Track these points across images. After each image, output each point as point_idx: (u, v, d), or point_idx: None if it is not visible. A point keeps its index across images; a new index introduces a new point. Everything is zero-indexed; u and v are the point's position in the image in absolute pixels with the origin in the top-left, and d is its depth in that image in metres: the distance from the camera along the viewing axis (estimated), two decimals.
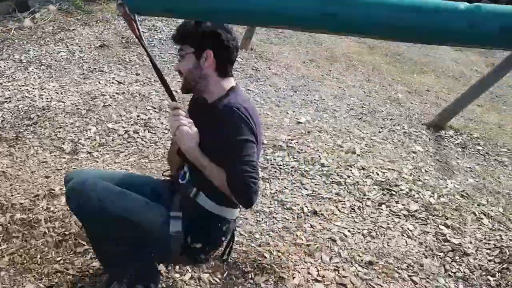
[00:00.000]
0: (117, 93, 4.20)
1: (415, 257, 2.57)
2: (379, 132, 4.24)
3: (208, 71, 1.85)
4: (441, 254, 2.63)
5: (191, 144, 1.79)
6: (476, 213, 3.08)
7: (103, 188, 1.84)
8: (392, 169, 3.47)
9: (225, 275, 2.27)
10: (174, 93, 1.86)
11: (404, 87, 5.64)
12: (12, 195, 2.68)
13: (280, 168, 3.31)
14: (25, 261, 2.23)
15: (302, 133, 3.86)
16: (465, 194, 3.32)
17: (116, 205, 1.80)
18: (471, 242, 2.75)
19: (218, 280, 2.24)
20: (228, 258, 2.18)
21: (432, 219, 2.93)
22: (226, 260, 2.22)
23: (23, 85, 4.25)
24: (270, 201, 2.93)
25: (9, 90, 4.13)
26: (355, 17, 1.24)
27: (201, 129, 1.82)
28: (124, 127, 3.65)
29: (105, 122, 3.70)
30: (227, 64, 1.88)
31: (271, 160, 3.39)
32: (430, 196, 3.20)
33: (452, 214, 3.01)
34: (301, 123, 4.10)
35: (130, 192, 1.89)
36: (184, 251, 1.91)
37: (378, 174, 3.37)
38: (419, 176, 3.46)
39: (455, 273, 2.50)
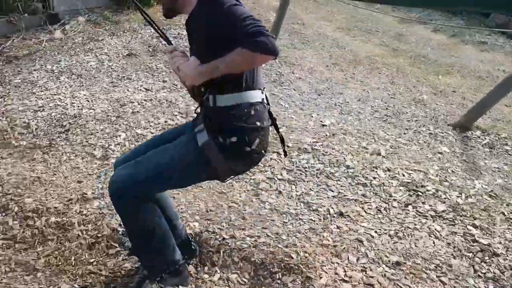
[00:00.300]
0: (145, 100, 4.30)
1: (443, 257, 2.57)
2: (404, 133, 4.25)
3: None
4: (470, 254, 2.63)
5: (195, 71, 1.83)
6: (506, 213, 3.07)
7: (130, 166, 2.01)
8: (418, 170, 3.48)
9: (252, 275, 2.32)
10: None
11: (429, 88, 5.61)
12: (47, 200, 2.77)
13: (306, 171, 3.35)
14: (60, 263, 2.31)
15: (326, 135, 3.89)
16: (493, 194, 3.30)
17: (146, 167, 1.95)
18: (500, 243, 2.74)
19: (246, 281, 2.28)
20: (285, 150, 2.13)
21: (460, 220, 2.93)
22: (286, 154, 2.17)
23: (55, 94, 4.38)
24: (296, 203, 2.97)
25: (42, 99, 4.25)
26: None
27: (197, 38, 1.89)
28: (152, 133, 3.73)
29: (134, 128, 3.79)
30: None
31: (296, 163, 3.43)
32: (458, 196, 3.20)
33: (480, 215, 3.00)
34: (325, 125, 4.13)
35: (153, 150, 2.03)
36: (226, 154, 1.89)
37: (404, 175, 3.38)
38: (445, 177, 3.46)
39: (484, 273, 2.50)
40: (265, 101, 1.98)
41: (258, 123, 1.92)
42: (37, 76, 4.83)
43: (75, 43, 5.73)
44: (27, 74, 4.91)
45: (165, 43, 2.03)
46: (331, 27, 7.55)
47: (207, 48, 1.82)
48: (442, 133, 4.36)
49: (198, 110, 2.08)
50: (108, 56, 5.31)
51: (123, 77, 4.84)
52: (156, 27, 1.99)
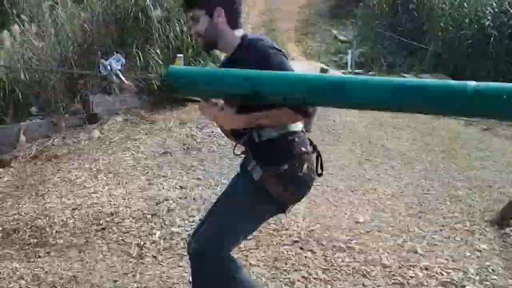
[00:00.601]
0: (180, 198, 4.38)
1: None
2: (441, 230, 4.17)
3: (222, 27, 2.11)
4: None
5: (232, 122, 2.01)
6: None
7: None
8: (457, 269, 3.38)
9: None
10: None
11: (463, 183, 5.56)
12: None
13: (341, 269, 3.30)
14: None
15: (361, 233, 3.86)
16: None
17: (219, 224, 2.11)
18: None
19: None
20: (322, 171, 2.23)
21: None
22: (321, 175, 2.25)
23: (92, 192, 4.50)
24: None
25: (80, 198, 4.37)
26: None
27: None
28: (187, 231, 3.76)
29: (169, 226, 3.84)
30: (237, 16, 2.15)
31: (331, 261, 3.39)
32: None
33: None
34: (360, 222, 4.10)
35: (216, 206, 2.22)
36: (283, 182, 2.02)
37: (442, 274, 3.29)
38: (486, 276, 3.35)
39: None
40: (304, 129, 2.15)
41: (303, 149, 2.08)
42: (76, 175, 4.99)
43: (112, 142, 5.95)
44: (66, 173, 5.08)
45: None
46: (362, 123, 7.68)
47: None
48: (479, 229, 4.27)
49: (237, 149, 2.23)
50: (144, 154, 5.48)
51: (159, 175, 4.96)
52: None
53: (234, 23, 2.14)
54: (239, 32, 2.15)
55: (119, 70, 2.03)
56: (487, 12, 10.35)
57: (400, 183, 5.36)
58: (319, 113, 6.29)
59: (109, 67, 2.02)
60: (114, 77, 2.06)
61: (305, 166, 2.06)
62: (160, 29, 7.78)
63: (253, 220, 2.16)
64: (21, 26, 9.12)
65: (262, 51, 1.98)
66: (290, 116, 1.95)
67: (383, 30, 13.11)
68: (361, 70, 11.64)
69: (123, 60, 2.06)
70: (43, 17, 9.25)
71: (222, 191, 2.27)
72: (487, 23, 10.09)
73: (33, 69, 7.81)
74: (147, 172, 5.03)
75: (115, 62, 2.02)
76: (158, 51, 7.59)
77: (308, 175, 2.10)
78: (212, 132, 6.20)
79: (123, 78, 2.07)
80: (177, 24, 7.96)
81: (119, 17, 7.89)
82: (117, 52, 2.16)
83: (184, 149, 5.69)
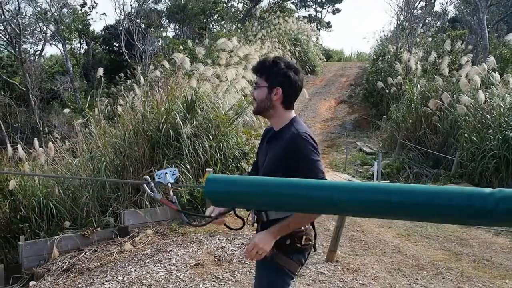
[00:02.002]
0: None
1: None
2: None
3: (276, 103, 2.50)
4: None
5: (271, 241, 2.38)
6: None
7: None
8: None
9: None
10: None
11: None
12: None
13: None
14: None
15: None
16: None
17: None
18: None
19: None
20: (315, 246, 2.68)
21: None
22: (315, 249, 2.70)
23: None
24: None
25: None
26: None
27: (269, 152, 2.53)
28: None
29: None
30: (292, 99, 2.55)
31: None
32: None
33: None
34: None
35: None
36: (288, 253, 2.50)
37: None
38: None
39: None
40: None
41: (302, 227, 2.51)
42: (109, 287, 5.04)
43: (144, 255, 6.03)
44: (99, 285, 5.14)
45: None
46: (390, 233, 7.67)
47: (278, 170, 2.39)
48: None
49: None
50: (176, 266, 5.53)
51: (191, 286, 4.99)
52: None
53: (288, 103, 2.52)
54: (290, 113, 2.54)
55: (171, 183, 2.19)
56: (511, 123, 10.61)
57: None
58: (346, 223, 6.35)
59: (162, 177, 2.19)
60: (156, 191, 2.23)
61: (303, 239, 2.51)
62: (190, 145, 8.10)
63: None
64: (54, 143, 9.61)
65: (307, 151, 2.38)
66: (310, 217, 2.46)
67: (407, 141, 13.39)
68: (387, 181, 11.76)
69: (178, 174, 2.23)
70: (76, 134, 9.75)
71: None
72: (510, 134, 10.30)
73: (84, 178, 8.11)
74: (179, 284, 5.06)
75: (170, 175, 2.18)
76: (188, 166, 7.86)
77: (306, 245, 2.55)
78: (242, 243, 6.26)
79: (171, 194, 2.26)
80: (206, 140, 8.29)
81: (150, 134, 8.25)
82: (172, 165, 2.35)
83: (215, 260, 5.73)
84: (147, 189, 2.16)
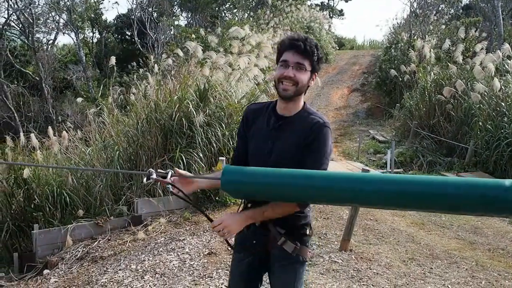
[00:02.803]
0: None
1: None
2: None
3: (306, 89, 2.46)
4: None
5: (238, 226, 2.38)
6: None
7: None
8: None
9: None
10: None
11: None
12: None
13: None
14: None
15: None
16: None
17: None
18: None
19: None
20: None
21: None
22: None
23: None
24: None
25: None
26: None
27: (281, 138, 2.42)
28: None
29: None
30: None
31: None
32: None
33: None
34: None
35: None
36: (305, 243, 2.58)
37: None
38: None
39: None
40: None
41: (309, 220, 2.60)
42: (123, 276, 5.06)
43: (157, 243, 6.04)
44: (113, 274, 5.16)
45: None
46: (404, 222, 7.62)
47: (293, 158, 2.35)
48: None
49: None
50: (190, 255, 5.54)
51: (205, 275, 4.99)
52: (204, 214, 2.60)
53: (308, 90, 2.50)
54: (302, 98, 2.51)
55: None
56: None
57: (446, 282, 5.25)
58: (360, 213, 6.31)
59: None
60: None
61: (310, 229, 2.61)
62: (202, 133, 8.08)
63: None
64: (67, 132, 9.65)
65: (324, 141, 2.38)
66: (291, 207, 2.36)
67: (421, 130, 13.28)
68: (400, 170, 11.68)
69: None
70: (89, 123, 9.77)
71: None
72: None
73: (97, 170, 8.15)
74: (193, 273, 5.06)
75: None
76: (200, 154, 7.85)
77: (312, 233, 2.65)
78: None
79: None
80: (218, 129, 8.27)
81: (163, 122, 8.24)
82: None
83: (228, 249, 5.72)
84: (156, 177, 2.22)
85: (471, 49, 16.35)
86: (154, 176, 2.19)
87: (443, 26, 22.02)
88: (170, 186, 2.29)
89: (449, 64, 14.14)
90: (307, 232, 2.56)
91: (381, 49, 28.32)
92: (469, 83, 12.58)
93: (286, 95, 2.38)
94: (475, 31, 18.92)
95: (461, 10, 28.43)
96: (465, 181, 1.36)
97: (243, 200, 2.56)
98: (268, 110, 2.53)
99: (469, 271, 5.66)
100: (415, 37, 20.24)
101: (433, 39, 19.55)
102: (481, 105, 11.58)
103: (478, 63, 12.66)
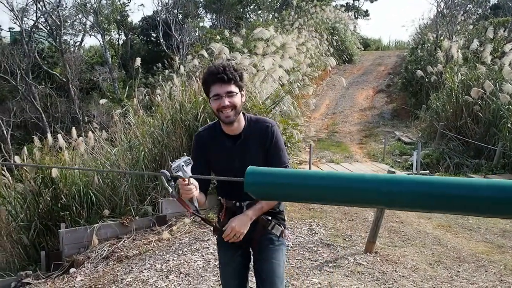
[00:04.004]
0: None
1: None
2: None
3: (242, 103, 2.71)
4: None
5: (246, 227, 2.65)
6: None
7: None
8: None
9: None
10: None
11: None
12: None
13: None
14: None
15: None
16: None
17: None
18: None
19: None
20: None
21: None
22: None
23: None
24: None
25: None
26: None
27: (247, 154, 2.70)
28: None
29: None
30: None
31: None
32: None
33: None
34: None
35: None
36: (285, 225, 2.95)
37: None
38: None
39: None
40: None
41: (283, 206, 2.98)
42: (147, 275, 5.09)
43: (182, 243, 6.06)
44: (138, 273, 5.20)
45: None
46: (430, 224, 7.52)
47: (263, 161, 2.66)
48: None
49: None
50: (214, 255, 5.54)
51: None
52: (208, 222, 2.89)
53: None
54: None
55: (190, 176, 2.24)
56: None
57: (474, 286, 5.16)
58: (385, 215, 6.24)
59: (181, 170, 2.19)
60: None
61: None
62: None
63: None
64: (94, 132, 9.76)
65: (278, 137, 2.72)
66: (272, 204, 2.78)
67: (447, 131, 13.10)
68: (426, 172, 11.54)
69: (192, 162, 2.28)
70: (114, 124, 9.86)
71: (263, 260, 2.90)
72: None
73: (118, 172, 8.22)
74: (217, 273, 5.05)
75: (186, 165, 2.19)
76: None
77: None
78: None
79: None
80: None
81: (188, 123, 8.27)
82: (185, 154, 2.33)
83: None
84: (165, 183, 2.19)
85: (499, 50, 16.06)
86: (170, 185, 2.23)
87: (471, 26, 21.72)
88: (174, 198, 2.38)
89: (477, 64, 13.92)
90: (284, 217, 2.96)
91: (407, 50, 28.01)
92: (497, 84, 12.36)
93: (230, 120, 2.65)
94: (504, 31, 18.60)
95: (489, 10, 28.02)
96: (498, 183, 1.32)
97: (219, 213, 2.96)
98: (217, 133, 2.80)
99: (498, 275, 5.56)
100: (442, 38, 19.98)
101: (461, 39, 19.26)
102: (510, 106, 11.38)
103: (507, 63, 12.44)
